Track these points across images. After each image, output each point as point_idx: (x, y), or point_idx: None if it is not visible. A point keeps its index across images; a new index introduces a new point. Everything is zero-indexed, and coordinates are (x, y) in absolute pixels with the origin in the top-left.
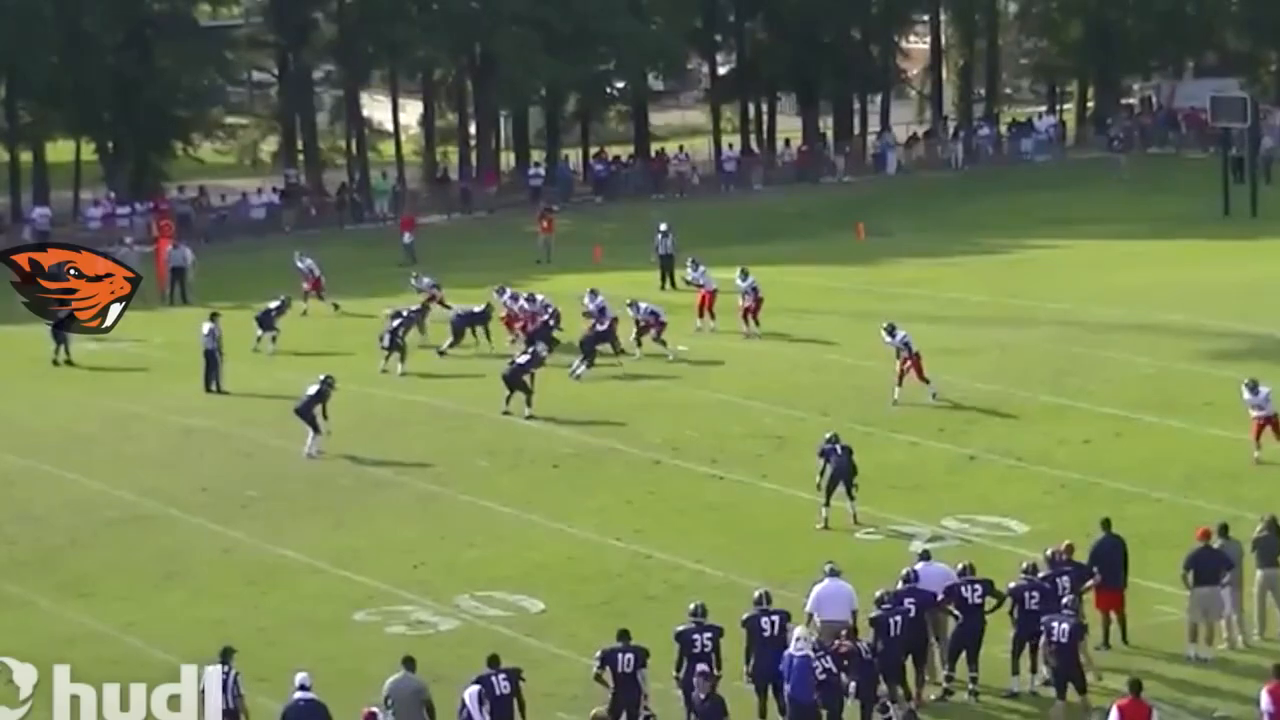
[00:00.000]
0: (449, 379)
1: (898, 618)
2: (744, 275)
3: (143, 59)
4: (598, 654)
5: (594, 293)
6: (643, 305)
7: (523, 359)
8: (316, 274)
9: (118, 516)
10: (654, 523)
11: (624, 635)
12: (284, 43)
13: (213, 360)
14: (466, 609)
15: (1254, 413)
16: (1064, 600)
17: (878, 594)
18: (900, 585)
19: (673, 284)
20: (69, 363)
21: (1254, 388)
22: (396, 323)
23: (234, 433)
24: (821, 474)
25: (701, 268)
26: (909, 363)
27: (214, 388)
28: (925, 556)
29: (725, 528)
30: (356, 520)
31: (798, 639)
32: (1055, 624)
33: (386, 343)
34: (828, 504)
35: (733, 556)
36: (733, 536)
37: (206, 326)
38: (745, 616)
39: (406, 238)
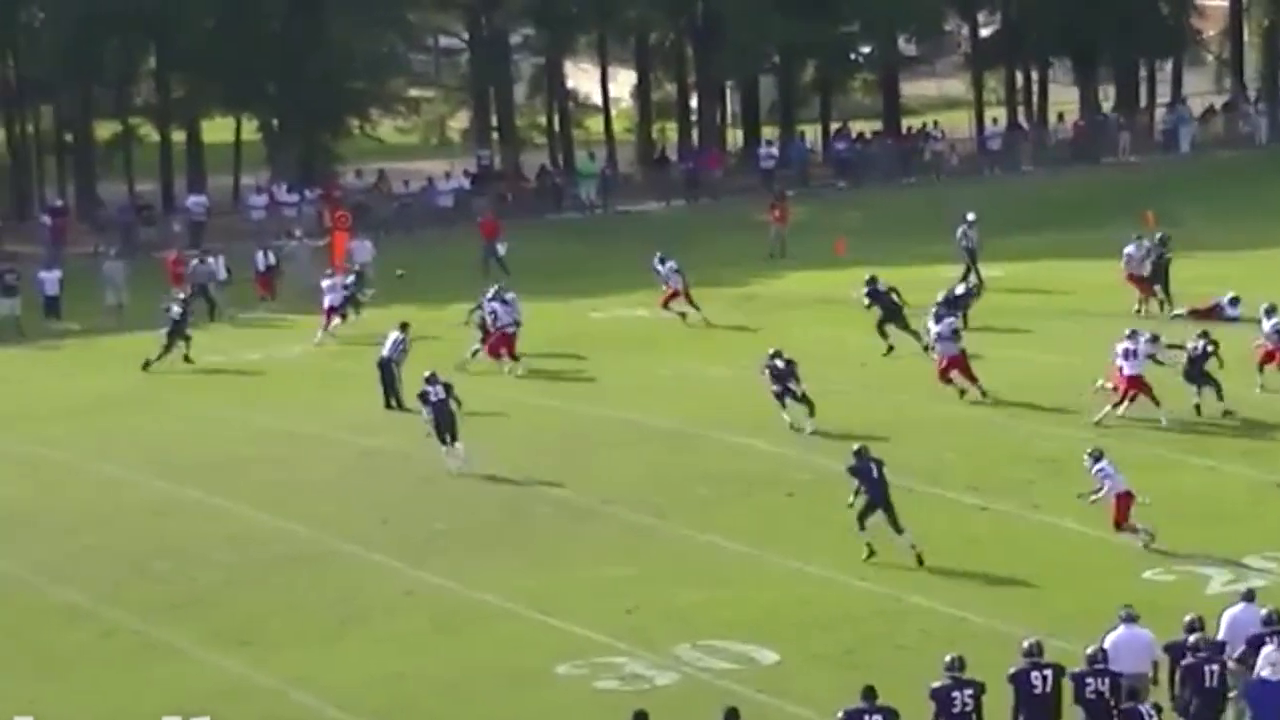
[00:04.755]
0: (663, 394)
1: (1214, 666)
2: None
3: (312, 23)
4: (840, 715)
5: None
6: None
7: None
8: None
9: (284, 553)
10: (906, 560)
11: (869, 693)
12: (476, 3)
13: (389, 371)
14: (688, 660)
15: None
16: None
17: (1191, 639)
18: (1186, 634)
19: (979, 280)
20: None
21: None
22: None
23: (417, 455)
24: (856, 495)
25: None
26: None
27: (393, 403)
28: (1249, 597)
29: (989, 566)
30: (558, 557)
31: (1274, 662)
32: None
33: None
34: (864, 529)
35: (998, 600)
36: (998, 576)
37: (394, 336)
38: (1013, 670)
39: (500, 248)
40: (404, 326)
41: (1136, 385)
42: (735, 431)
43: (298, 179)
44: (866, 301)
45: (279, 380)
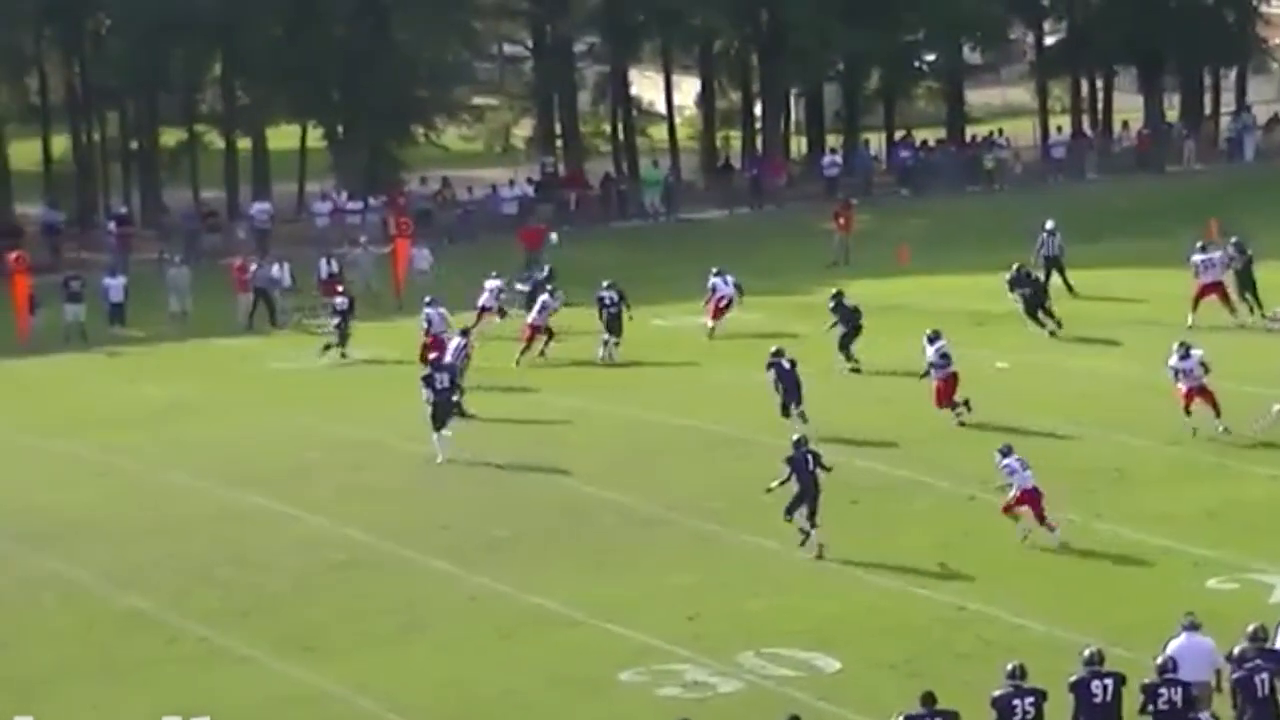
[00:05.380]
0: (724, 400)
1: (1265, 676)
2: None
3: (377, 30)
4: (899, 719)
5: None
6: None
7: None
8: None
9: (347, 559)
10: (967, 568)
11: (929, 699)
12: (540, 10)
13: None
14: (750, 668)
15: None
16: None
17: (1237, 650)
18: (1247, 643)
19: (1069, 287)
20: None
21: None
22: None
23: (478, 462)
24: (782, 483)
25: None
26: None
27: (457, 409)
28: None
29: (1050, 574)
30: (621, 564)
31: None
32: None
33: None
34: (790, 519)
35: (1059, 608)
36: (1059, 585)
37: (456, 342)
38: (1073, 679)
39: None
40: (465, 333)
41: None
42: None
43: (362, 186)
44: (832, 319)
45: (342, 387)
